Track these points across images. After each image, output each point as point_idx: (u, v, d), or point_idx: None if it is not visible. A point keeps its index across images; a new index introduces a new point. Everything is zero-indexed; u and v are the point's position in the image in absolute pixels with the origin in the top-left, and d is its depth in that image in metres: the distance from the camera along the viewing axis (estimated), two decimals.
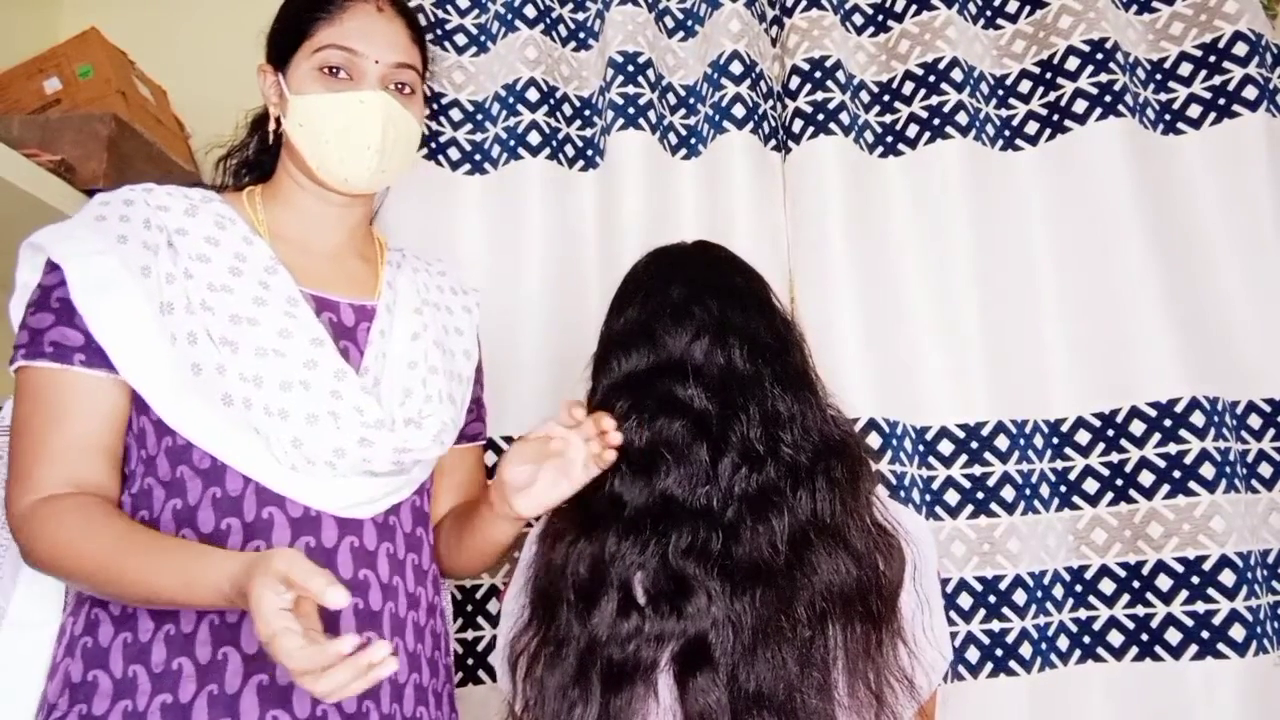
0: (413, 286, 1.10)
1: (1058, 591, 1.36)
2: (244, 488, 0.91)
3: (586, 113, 1.57)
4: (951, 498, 1.38)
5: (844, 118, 1.48)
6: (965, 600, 1.33)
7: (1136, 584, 1.33)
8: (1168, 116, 1.53)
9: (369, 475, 0.96)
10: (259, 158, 1.11)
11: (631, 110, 1.50)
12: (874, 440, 1.33)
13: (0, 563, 0.97)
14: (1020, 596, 1.33)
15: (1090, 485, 1.39)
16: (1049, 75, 1.52)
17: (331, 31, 1.01)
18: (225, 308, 0.92)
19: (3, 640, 0.93)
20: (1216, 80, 1.51)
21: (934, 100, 1.51)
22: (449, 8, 1.58)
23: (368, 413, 0.95)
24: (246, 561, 0.77)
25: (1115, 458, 1.38)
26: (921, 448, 1.40)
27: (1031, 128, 1.53)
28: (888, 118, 1.56)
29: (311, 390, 0.92)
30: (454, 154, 1.52)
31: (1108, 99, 1.46)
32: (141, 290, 0.90)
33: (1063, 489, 1.41)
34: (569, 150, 1.54)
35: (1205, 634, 1.28)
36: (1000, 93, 1.57)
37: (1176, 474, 1.33)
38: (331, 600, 0.70)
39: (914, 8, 1.56)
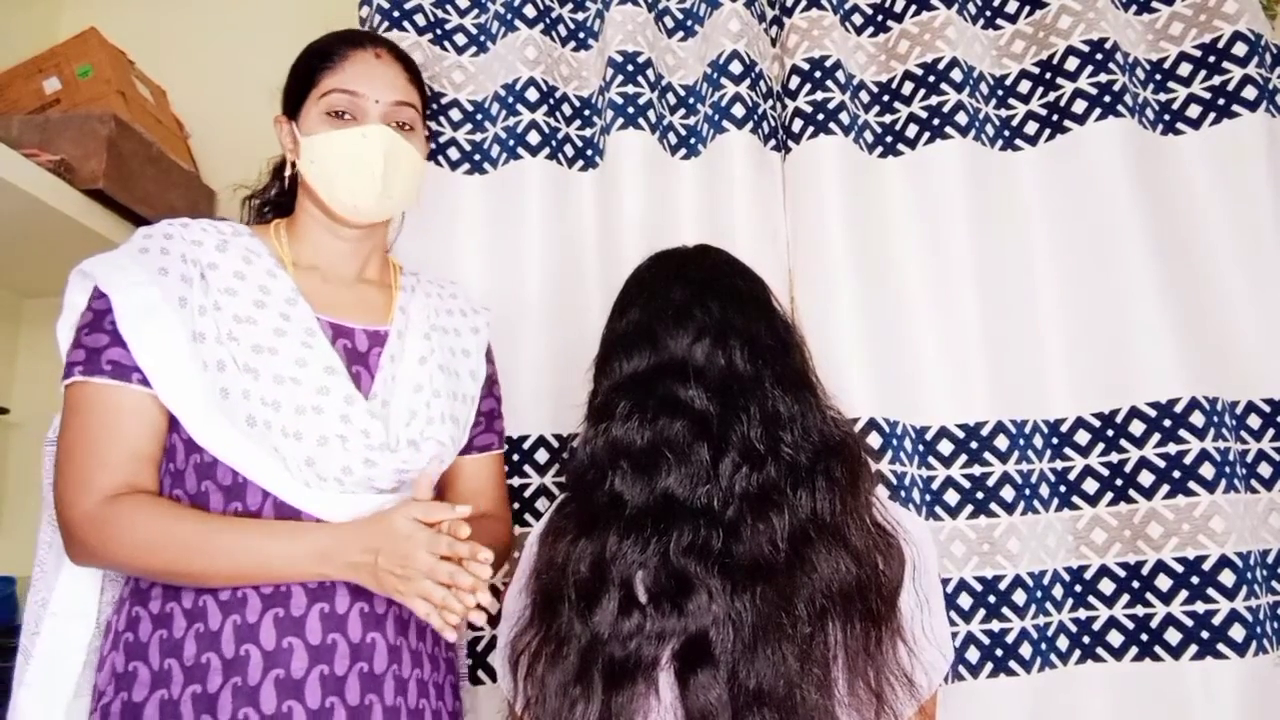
0: (424, 312, 1.18)
1: (1057, 591, 1.36)
2: (262, 502, 1.00)
3: (586, 112, 1.58)
4: (951, 498, 1.38)
5: (844, 118, 1.48)
6: (965, 600, 1.33)
7: (1136, 584, 1.34)
8: (1167, 116, 1.53)
9: (375, 491, 1.04)
10: (279, 198, 1.22)
11: (631, 110, 1.50)
12: (874, 440, 1.33)
13: (45, 557, 1.06)
14: (1020, 596, 1.33)
15: (1090, 485, 1.39)
16: (1048, 75, 1.52)
17: (335, 78, 1.12)
18: (249, 338, 1.01)
19: (47, 629, 1.02)
20: (1216, 80, 1.51)
21: (934, 100, 1.51)
22: (449, 8, 1.58)
23: (373, 436, 1.03)
24: (361, 521, 0.97)
25: (1115, 458, 1.38)
26: (921, 448, 1.40)
27: (1031, 128, 1.53)
28: (887, 118, 1.56)
29: (324, 414, 1.01)
30: (453, 154, 1.52)
31: (1107, 99, 1.46)
32: (179, 319, 1.00)
33: (1062, 489, 1.41)
34: (568, 150, 1.54)
35: (1205, 634, 1.28)
36: (1000, 93, 1.57)
37: (1176, 474, 1.33)
38: (463, 512, 0.96)
39: (913, 8, 1.56)
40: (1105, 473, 1.39)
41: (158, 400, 0.99)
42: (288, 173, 1.16)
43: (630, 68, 1.52)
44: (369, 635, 1.00)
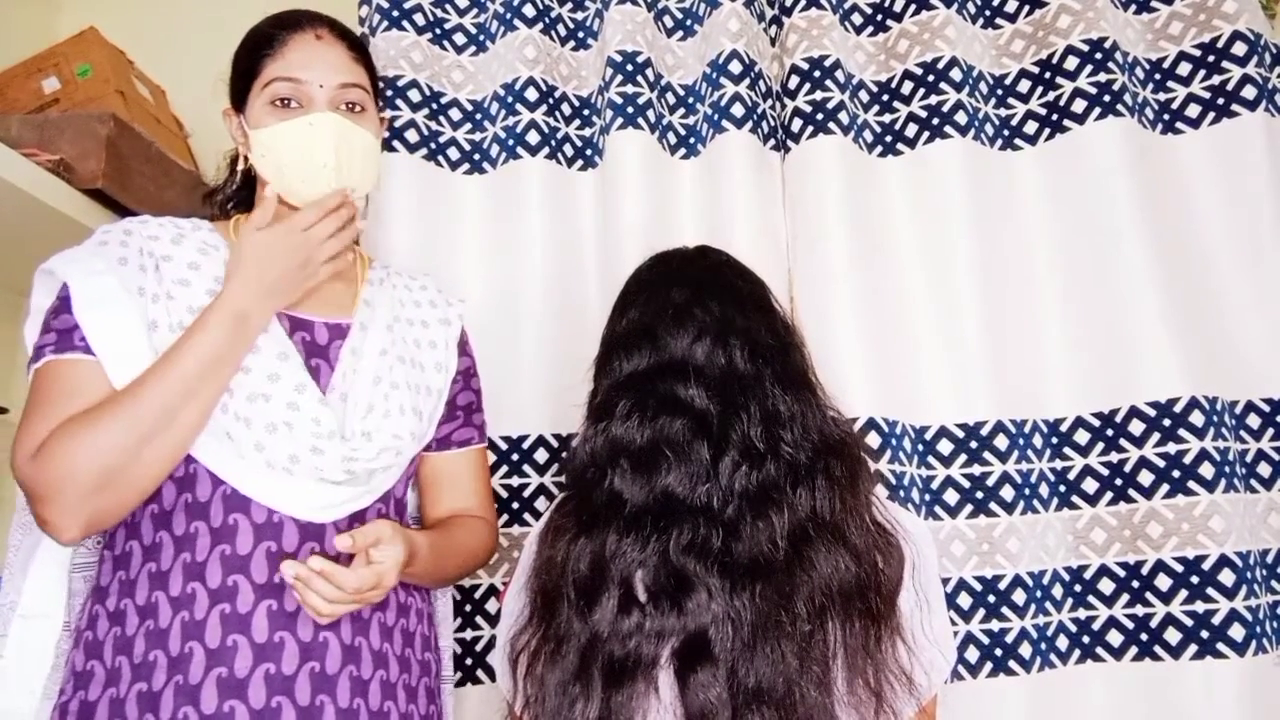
0: (389, 303, 1.16)
1: (1057, 591, 1.36)
2: (211, 494, 0.99)
3: (585, 112, 1.57)
4: (951, 497, 1.38)
5: (843, 117, 1.48)
6: (964, 600, 1.33)
7: (1136, 584, 1.33)
8: (1167, 116, 1.53)
9: (326, 483, 1.02)
10: (240, 192, 1.20)
11: (630, 109, 1.50)
12: (873, 440, 1.33)
13: (13, 559, 1.05)
14: (1019, 596, 1.33)
15: (1089, 485, 1.39)
16: (1048, 75, 1.52)
17: (276, 66, 1.09)
18: None
19: (15, 631, 1.01)
20: (1215, 80, 1.51)
21: (933, 100, 1.51)
22: (448, 7, 1.58)
23: (323, 423, 1.01)
24: (237, 265, 0.99)
25: (1114, 457, 1.38)
26: (921, 447, 1.40)
27: (1030, 127, 1.53)
28: (887, 117, 1.56)
29: (272, 401, 1.00)
30: (453, 154, 1.52)
31: (1107, 98, 1.46)
32: (135, 306, 1.00)
33: (1062, 488, 1.41)
34: (568, 150, 1.54)
35: (1204, 634, 1.28)
36: (999, 92, 1.57)
37: (1176, 474, 1.33)
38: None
39: (913, 7, 1.56)
40: (1105, 472, 1.39)
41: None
42: (240, 166, 1.14)
43: (630, 67, 1.52)
44: (321, 634, 0.98)
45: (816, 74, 1.50)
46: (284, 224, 0.99)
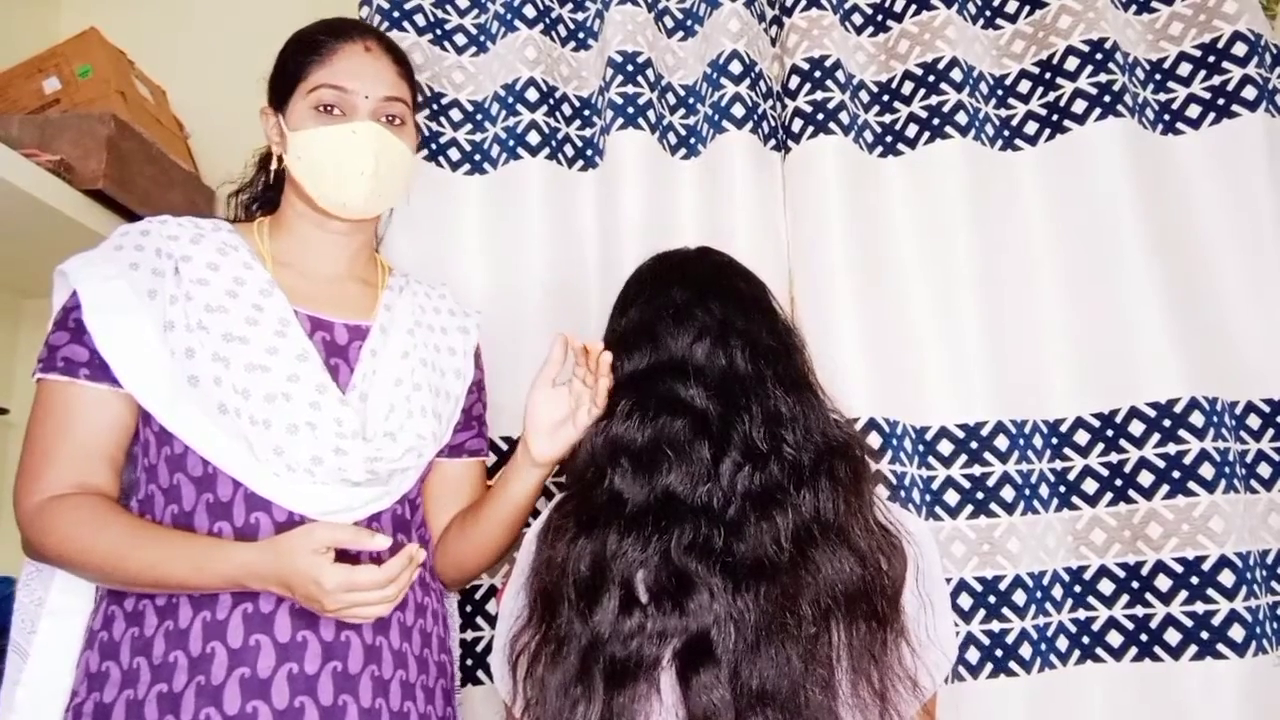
0: (409, 308, 1.17)
1: (1057, 592, 1.36)
2: (233, 494, 1.00)
3: (586, 112, 1.57)
4: (951, 498, 1.38)
5: (843, 117, 1.48)
6: (965, 600, 1.33)
7: (1136, 584, 1.34)
8: (1167, 116, 1.53)
9: (347, 484, 1.02)
10: (266, 193, 1.21)
11: (631, 110, 1.50)
12: (874, 440, 1.33)
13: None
14: (1020, 597, 1.33)
15: (1089, 485, 1.39)
16: (1048, 75, 1.52)
17: (324, 72, 1.10)
18: (219, 327, 1.01)
19: (44, 628, 1.02)
20: (1216, 80, 1.51)
21: (933, 100, 1.51)
22: (448, 8, 1.58)
23: (345, 424, 1.02)
24: (266, 551, 0.93)
25: (1114, 458, 1.38)
26: (921, 448, 1.40)
27: (1031, 128, 1.53)
28: (887, 117, 1.56)
29: (293, 402, 1.00)
30: (454, 154, 1.52)
31: (1107, 99, 1.46)
32: (146, 310, 1.00)
33: (1062, 489, 1.41)
34: (568, 150, 1.54)
35: (1204, 634, 1.28)
36: (1000, 93, 1.57)
37: (1176, 474, 1.33)
38: (380, 544, 0.93)
39: (913, 8, 1.56)
40: (1105, 473, 1.39)
41: (117, 396, 0.99)
42: (274, 166, 1.15)
43: (630, 68, 1.52)
44: (343, 634, 0.98)
45: (817, 74, 1.50)
46: (340, 575, 0.91)
